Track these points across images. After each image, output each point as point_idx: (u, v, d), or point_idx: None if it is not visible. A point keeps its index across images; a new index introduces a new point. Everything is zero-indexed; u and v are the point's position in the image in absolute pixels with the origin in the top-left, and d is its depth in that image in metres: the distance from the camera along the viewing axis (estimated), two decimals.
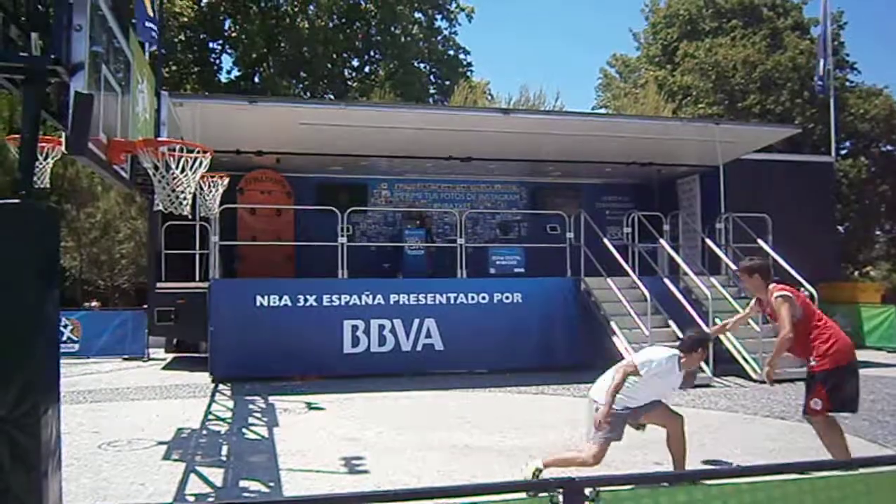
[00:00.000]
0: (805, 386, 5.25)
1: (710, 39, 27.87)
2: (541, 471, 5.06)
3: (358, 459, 6.11)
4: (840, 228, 23.13)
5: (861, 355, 13.20)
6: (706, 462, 6.11)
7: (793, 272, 11.39)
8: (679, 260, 11.95)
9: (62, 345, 12.29)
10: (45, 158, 6.17)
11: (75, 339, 13.26)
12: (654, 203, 14.84)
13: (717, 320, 10.71)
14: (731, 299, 11.22)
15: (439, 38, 30.66)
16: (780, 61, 25.70)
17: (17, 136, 4.83)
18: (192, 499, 5.06)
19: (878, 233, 27.60)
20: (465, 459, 6.10)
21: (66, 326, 13.01)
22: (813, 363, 5.11)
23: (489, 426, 7.42)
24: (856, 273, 27.54)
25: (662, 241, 12.40)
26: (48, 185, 6.56)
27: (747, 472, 2.34)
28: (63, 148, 5.37)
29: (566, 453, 5.49)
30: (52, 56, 3.69)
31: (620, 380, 4.97)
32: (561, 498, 2.06)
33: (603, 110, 29.99)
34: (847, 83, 26.97)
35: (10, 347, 3.31)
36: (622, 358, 10.33)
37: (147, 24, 13.07)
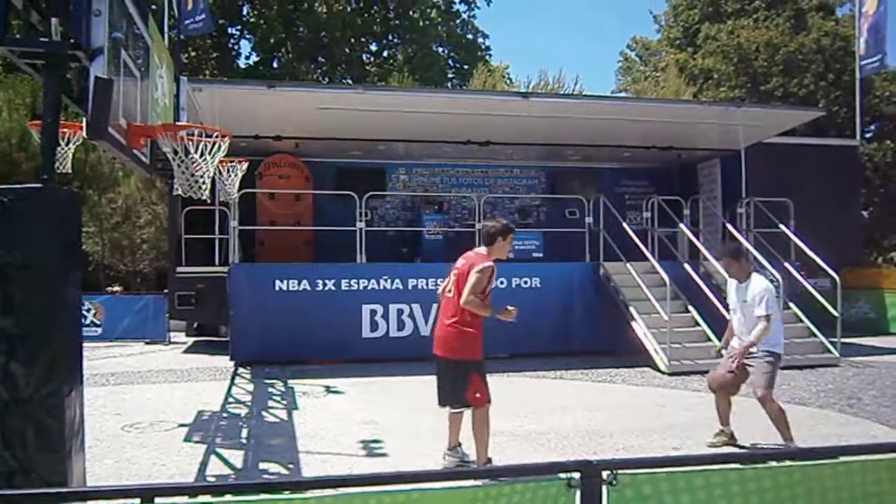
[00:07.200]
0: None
1: (732, 21, 27.42)
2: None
3: (376, 442, 6.16)
4: (864, 213, 22.78)
5: (884, 341, 13.12)
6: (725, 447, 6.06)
7: (816, 258, 11.27)
8: (699, 245, 11.84)
9: (85, 329, 12.46)
10: (67, 144, 6.22)
11: (98, 322, 13.44)
12: (674, 187, 14.70)
13: None
14: None
15: (458, 21, 30.48)
16: (803, 43, 25.22)
17: (39, 121, 4.87)
18: (212, 479, 5.13)
19: None
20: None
21: (88, 310, 13.18)
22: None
23: (508, 411, 7.41)
24: (880, 259, 27.12)
25: (682, 226, 12.29)
26: (70, 171, 6.62)
27: (766, 456, 2.32)
28: (84, 133, 5.41)
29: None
30: (72, 41, 3.71)
31: None
32: (578, 480, 2.06)
33: (623, 94, 29.70)
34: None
35: (33, 330, 3.35)
36: (641, 343, 10.42)
37: (187, 21, 13.25)
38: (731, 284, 6.09)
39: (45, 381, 3.35)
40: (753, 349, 5.69)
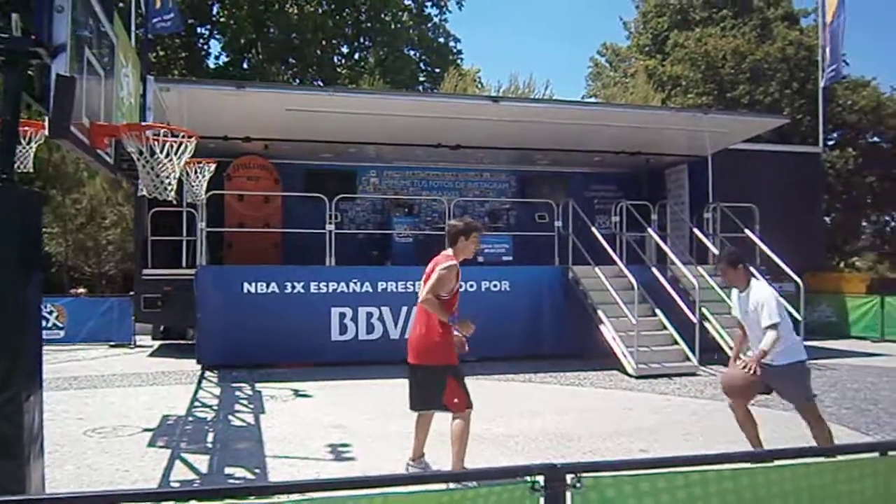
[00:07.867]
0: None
1: (700, 29, 27.88)
2: None
3: (344, 447, 6.12)
4: (827, 219, 23.26)
5: (846, 345, 13.38)
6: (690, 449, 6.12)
7: (780, 262, 11.47)
8: (666, 249, 11.98)
9: (47, 331, 12.21)
10: (28, 143, 6.09)
11: (60, 325, 13.17)
12: (642, 192, 14.87)
13: (703, 310, 10.83)
14: (717, 289, 11.28)
15: (429, 25, 30.51)
16: (769, 52, 25.73)
17: None
18: (177, 485, 5.05)
19: (864, 224, 27.79)
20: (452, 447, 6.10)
21: (51, 313, 12.93)
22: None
23: (476, 414, 7.41)
24: (842, 263, 27.73)
25: (650, 230, 12.42)
26: (32, 170, 6.48)
27: (729, 458, 2.35)
28: (46, 132, 5.30)
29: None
30: (34, 37, 3.64)
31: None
32: (542, 483, 2.06)
33: (593, 99, 29.96)
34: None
35: None
36: (609, 347, 10.50)
37: (155, 20, 13.08)
38: (734, 295, 5.57)
39: (3, 387, 3.28)
40: (770, 360, 5.06)
